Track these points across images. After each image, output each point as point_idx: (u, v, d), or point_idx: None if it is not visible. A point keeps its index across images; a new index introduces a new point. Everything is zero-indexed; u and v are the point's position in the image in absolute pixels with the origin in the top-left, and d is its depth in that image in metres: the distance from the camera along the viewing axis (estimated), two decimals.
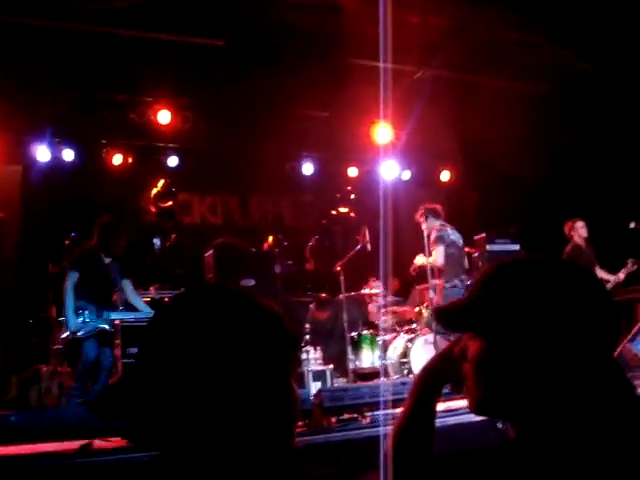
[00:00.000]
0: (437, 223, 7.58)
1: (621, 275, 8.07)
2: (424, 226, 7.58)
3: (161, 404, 1.09)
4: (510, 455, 1.22)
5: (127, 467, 3.63)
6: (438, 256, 7.38)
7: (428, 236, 7.45)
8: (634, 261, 8.02)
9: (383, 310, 8.42)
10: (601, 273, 8.11)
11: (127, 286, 6.58)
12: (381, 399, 5.28)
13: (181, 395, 1.09)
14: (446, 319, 1.41)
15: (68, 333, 6.30)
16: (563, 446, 1.18)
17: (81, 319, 6.20)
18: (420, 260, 7.57)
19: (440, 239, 7.44)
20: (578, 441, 1.18)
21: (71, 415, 5.13)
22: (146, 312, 6.35)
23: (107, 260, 6.48)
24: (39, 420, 4.95)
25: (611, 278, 8.07)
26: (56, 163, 9.06)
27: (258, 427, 1.11)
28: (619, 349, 7.21)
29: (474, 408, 1.34)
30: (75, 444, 4.24)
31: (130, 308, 6.53)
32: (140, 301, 6.63)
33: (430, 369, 1.60)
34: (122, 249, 6.59)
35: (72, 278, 6.27)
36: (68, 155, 9.17)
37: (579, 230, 8.33)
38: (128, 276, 6.65)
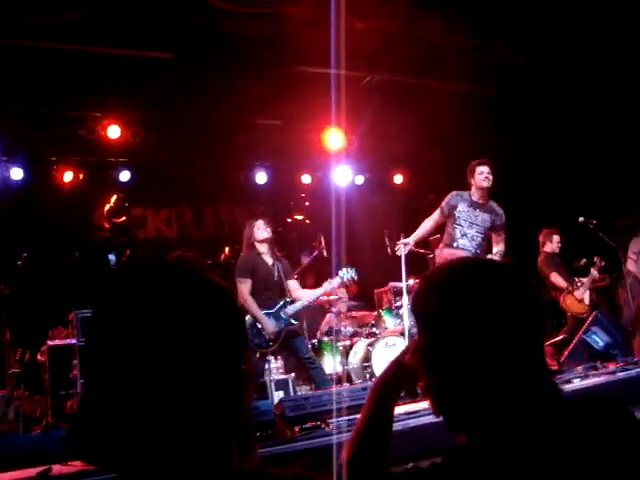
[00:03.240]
0: None
1: (595, 272, 8.23)
2: None
3: (114, 402, 1.03)
4: (456, 462, 1.23)
5: None
6: None
7: None
8: (600, 258, 8.20)
9: (344, 315, 8.43)
10: (576, 279, 8.27)
11: (293, 284, 6.86)
12: (345, 405, 5.28)
13: (131, 381, 1.02)
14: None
15: (273, 331, 6.52)
16: (494, 449, 1.21)
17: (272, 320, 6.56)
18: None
19: None
20: (504, 443, 1.21)
21: (29, 441, 5.01)
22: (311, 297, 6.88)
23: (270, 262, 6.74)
24: None
25: (586, 280, 8.22)
26: (5, 182, 8.89)
27: (209, 413, 1.05)
28: (575, 341, 7.35)
29: (431, 409, 1.37)
30: (32, 471, 4.14)
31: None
32: (307, 293, 6.96)
33: (384, 377, 1.61)
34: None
35: (247, 285, 6.54)
36: (17, 174, 9.00)
37: (554, 244, 8.48)
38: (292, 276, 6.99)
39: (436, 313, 1.30)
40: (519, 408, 1.23)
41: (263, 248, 6.73)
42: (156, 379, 1.02)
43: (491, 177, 6.76)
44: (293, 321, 6.68)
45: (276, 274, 6.72)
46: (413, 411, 4.74)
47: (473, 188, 6.81)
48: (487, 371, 1.24)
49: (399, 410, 4.82)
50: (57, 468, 4.24)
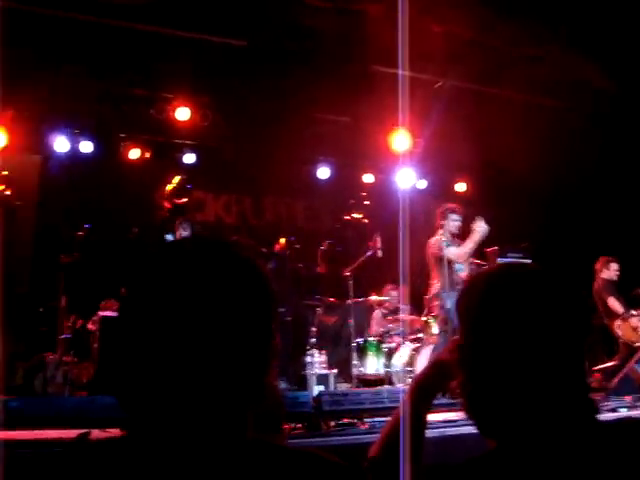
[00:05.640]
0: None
1: None
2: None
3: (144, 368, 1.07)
4: (485, 467, 1.22)
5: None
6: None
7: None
8: None
9: (392, 317, 8.41)
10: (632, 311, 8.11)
11: None
12: (382, 406, 5.26)
13: (164, 350, 1.05)
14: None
15: None
16: (520, 458, 1.19)
17: None
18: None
19: None
20: (531, 455, 1.19)
21: (73, 404, 5.15)
22: None
23: None
24: (41, 407, 4.97)
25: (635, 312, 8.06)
26: (74, 154, 9.13)
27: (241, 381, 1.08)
28: (626, 369, 7.16)
29: (464, 409, 1.36)
30: (73, 433, 4.25)
31: None
32: None
33: (425, 372, 1.62)
34: None
35: None
36: (86, 147, 9.24)
37: (612, 272, 8.31)
38: None
39: (476, 313, 1.30)
40: (552, 420, 1.21)
41: None
42: (179, 346, 1.05)
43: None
44: None
45: None
46: (452, 419, 4.69)
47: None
48: (522, 377, 1.23)
49: (436, 417, 4.78)
50: (96, 433, 4.34)
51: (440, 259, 7.19)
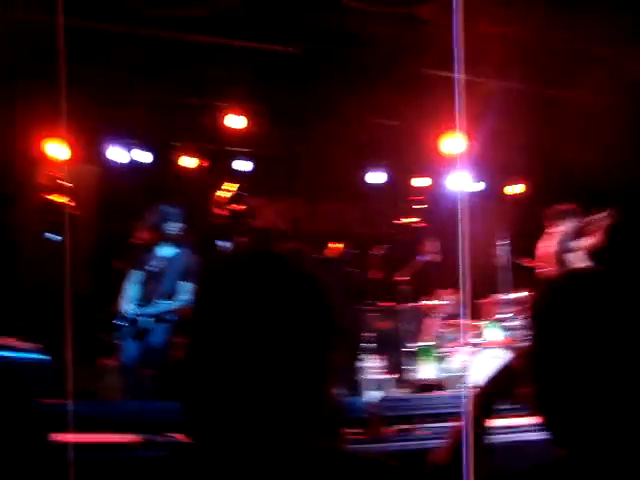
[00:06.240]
0: None
1: None
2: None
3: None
4: (557, 474, 1.21)
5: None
6: None
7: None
8: None
9: (446, 322, 8.34)
10: None
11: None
12: (441, 411, 5.22)
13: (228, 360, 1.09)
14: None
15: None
16: (601, 468, 1.17)
17: None
18: None
19: None
20: (601, 468, 1.16)
21: (133, 409, 5.25)
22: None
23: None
24: (104, 411, 5.09)
25: None
26: (131, 164, 9.32)
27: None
28: None
29: (535, 416, 1.34)
30: (136, 437, 4.35)
31: None
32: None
33: (493, 377, 1.62)
34: None
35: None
36: (143, 156, 9.43)
37: None
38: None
39: (545, 320, 1.28)
40: (628, 429, 1.18)
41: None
42: (243, 355, 1.08)
43: None
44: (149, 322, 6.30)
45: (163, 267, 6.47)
46: (515, 425, 4.62)
47: None
48: (594, 386, 1.21)
49: (500, 423, 4.71)
50: (160, 438, 4.43)
51: (562, 262, 6.98)
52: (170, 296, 6.38)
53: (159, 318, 6.30)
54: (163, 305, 6.33)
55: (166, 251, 6.56)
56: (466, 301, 8.14)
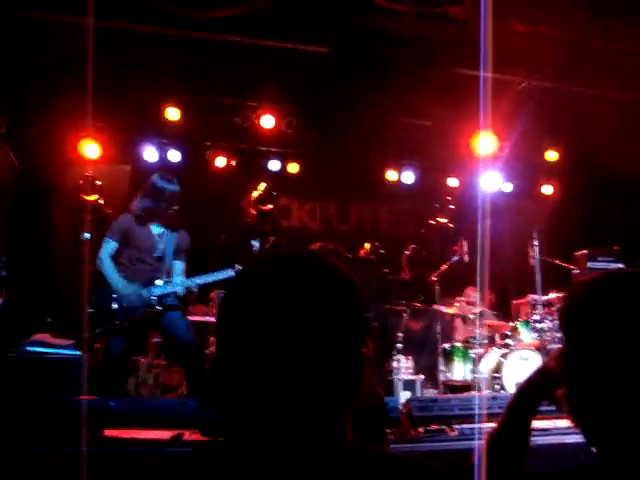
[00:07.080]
0: None
1: None
2: None
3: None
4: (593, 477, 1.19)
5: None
6: None
7: None
8: None
9: (478, 323, 8.27)
10: None
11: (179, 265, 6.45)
12: (471, 412, 5.19)
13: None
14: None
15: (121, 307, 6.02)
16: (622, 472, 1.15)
17: None
18: None
19: None
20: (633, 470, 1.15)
21: (165, 406, 5.30)
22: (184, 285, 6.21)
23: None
24: (135, 408, 5.14)
25: None
26: (163, 163, 9.39)
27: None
28: None
29: (569, 417, 1.33)
30: (166, 434, 4.39)
31: None
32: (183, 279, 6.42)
33: (530, 378, 1.61)
34: None
35: (110, 246, 6.16)
36: (174, 156, 9.51)
37: None
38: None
39: (577, 322, 1.27)
40: None
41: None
42: (276, 355, 1.09)
43: None
44: (157, 306, 5.95)
45: (161, 247, 6.18)
46: (544, 428, 4.58)
47: None
48: (626, 387, 1.19)
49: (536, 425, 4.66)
50: (188, 435, 4.47)
51: None
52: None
53: (166, 304, 6.06)
54: (168, 287, 6.06)
55: (159, 230, 6.35)
56: (488, 301, 8.06)
